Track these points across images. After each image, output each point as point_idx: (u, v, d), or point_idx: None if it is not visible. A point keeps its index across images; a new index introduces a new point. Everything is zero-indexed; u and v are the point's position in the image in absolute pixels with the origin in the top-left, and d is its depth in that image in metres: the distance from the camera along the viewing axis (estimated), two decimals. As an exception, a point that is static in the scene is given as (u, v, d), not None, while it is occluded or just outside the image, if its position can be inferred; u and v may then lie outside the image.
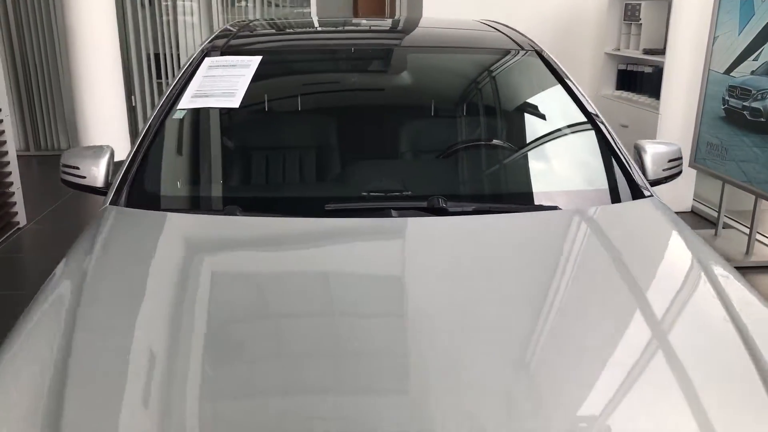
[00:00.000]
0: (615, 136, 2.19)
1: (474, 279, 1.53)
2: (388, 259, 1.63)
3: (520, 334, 1.30)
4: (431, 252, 1.65)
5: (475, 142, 2.26)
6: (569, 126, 2.31)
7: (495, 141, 2.29)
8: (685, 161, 4.87)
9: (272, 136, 2.29)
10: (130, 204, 1.93)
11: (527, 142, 2.31)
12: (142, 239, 1.74)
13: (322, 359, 1.22)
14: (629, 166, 2.09)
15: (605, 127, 2.21)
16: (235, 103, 2.23)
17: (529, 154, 2.26)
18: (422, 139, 2.28)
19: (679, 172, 2.31)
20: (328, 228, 1.75)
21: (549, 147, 2.25)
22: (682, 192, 5.23)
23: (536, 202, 1.95)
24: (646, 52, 5.40)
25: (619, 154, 2.13)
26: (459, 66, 2.54)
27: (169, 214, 1.86)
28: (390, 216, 1.78)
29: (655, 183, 2.21)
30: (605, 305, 1.44)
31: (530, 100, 2.52)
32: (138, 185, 1.99)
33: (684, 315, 1.41)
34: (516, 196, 2.02)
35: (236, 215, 1.81)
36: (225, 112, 2.28)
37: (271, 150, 2.22)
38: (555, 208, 1.89)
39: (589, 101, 2.30)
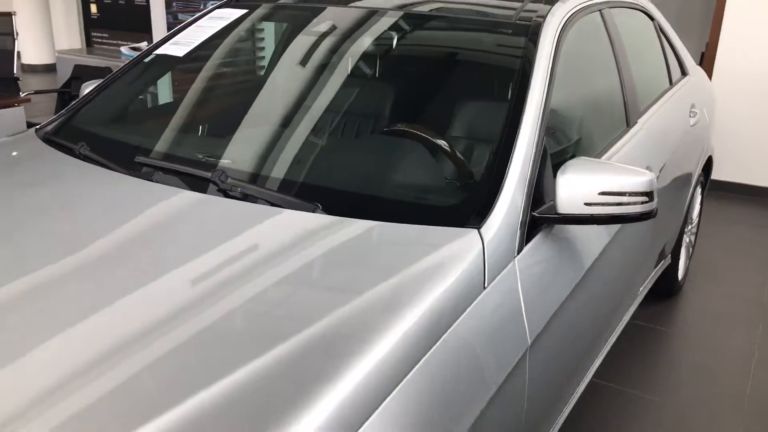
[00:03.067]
0: (528, 145, 1.57)
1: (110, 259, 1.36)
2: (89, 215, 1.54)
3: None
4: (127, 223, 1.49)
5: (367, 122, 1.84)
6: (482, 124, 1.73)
7: (395, 127, 1.84)
8: None
9: (188, 90, 2.24)
10: (53, 133, 2.06)
11: (420, 131, 1.78)
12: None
13: None
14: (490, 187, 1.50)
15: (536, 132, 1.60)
16: (179, 52, 2.25)
17: (403, 149, 1.76)
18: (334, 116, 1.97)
19: (635, 216, 1.55)
20: (105, 180, 1.70)
21: (428, 143, 1.72)
22: None
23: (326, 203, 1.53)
24: None
25: (508, 170, 1.53)
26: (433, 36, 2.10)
27: (45, 146, 1.94)
28: (158, 182, 1.65)
29: (576, 220, 1.54)
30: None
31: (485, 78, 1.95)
32: (64, 118, 2.16)
33: None
34: (311, 190, 1.61)
35: (77, 156, 1.86)
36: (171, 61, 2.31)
37: (175, 102, 2.18)
38: (313, 210, 1.49)
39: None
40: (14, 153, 1.96)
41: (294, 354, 1.07)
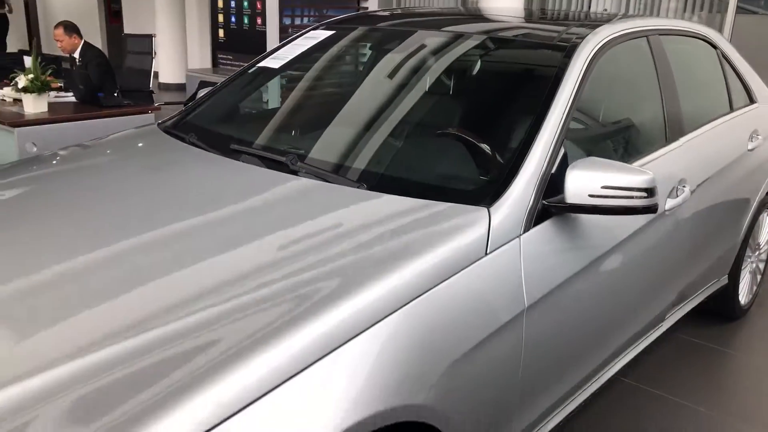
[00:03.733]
0: (545, 147, 1.86)
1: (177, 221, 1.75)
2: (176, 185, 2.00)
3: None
4: (211, 192, 1.92)
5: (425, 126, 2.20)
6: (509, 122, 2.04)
7: (450, 130, 2.19)
8: None
9: (279, 96, 2.68)
10: (171, 126, 2.58)
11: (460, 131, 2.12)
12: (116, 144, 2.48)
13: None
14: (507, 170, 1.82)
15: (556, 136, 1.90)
16: (276, 65, 2.70)
17: (446, 144, 2.09)
18: (399, 120, 2.33)
19: (636, 209, 1.78)
20: (204, 160, 2.16)
21: (458, 140, 2.05)
22: None
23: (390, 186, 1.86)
24: None
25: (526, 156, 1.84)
26: (464, 52, 2.42)
27: (163, 133, 2.45)
28: (249, 163, 2.08)
29: (581, 209, 1.81)
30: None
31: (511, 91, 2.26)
32: (180, 116, 2.66)
33: None
34: (375, 176, 1.97)
35: (185, 142, 2.33)
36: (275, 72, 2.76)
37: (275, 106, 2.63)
38: (358, 186, 1.85)
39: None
40: (141, 138, 2.49)
41: (320, 277, 1.44)
